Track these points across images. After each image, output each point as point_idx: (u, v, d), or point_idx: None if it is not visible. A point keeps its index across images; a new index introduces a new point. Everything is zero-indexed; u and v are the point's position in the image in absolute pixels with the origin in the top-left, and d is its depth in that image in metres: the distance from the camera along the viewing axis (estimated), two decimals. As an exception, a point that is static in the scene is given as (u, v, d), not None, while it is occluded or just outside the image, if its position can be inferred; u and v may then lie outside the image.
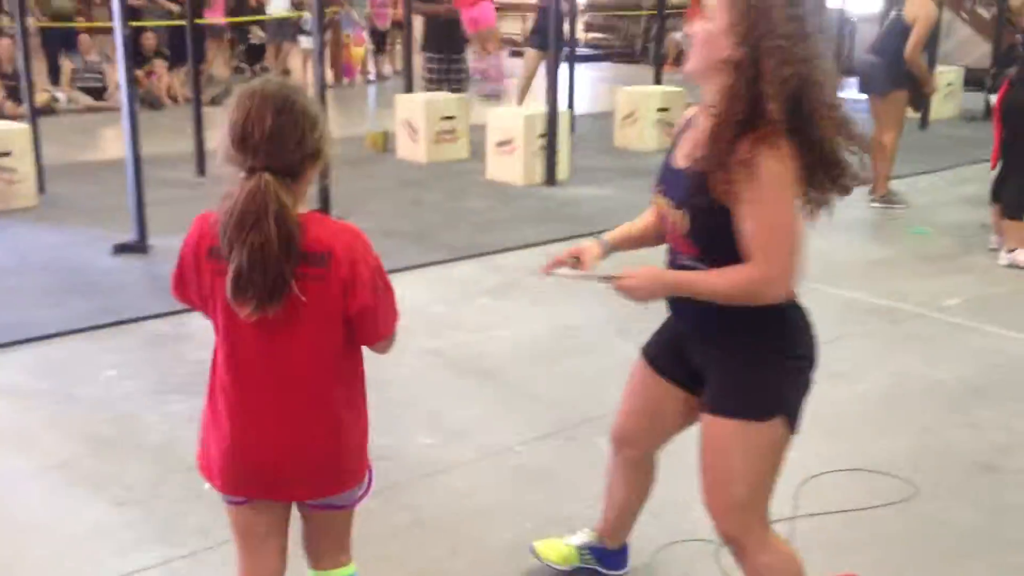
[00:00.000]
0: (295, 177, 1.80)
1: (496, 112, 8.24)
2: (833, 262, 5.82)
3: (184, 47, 11.09)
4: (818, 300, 5.15)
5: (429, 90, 9.13)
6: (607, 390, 3.14)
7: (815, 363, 2.16)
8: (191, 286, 1.91)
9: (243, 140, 1.76)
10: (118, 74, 6.30)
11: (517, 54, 12.74)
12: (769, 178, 1.92)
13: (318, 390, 1.89)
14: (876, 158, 7.05)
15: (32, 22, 9.55)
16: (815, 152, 1.98)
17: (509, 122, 7.82)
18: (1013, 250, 5.69)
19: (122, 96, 5.94)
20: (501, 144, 7.81)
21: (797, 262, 2.00)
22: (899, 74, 6.69)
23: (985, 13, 12.78)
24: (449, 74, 9.19)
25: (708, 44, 2.01)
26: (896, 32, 6.69)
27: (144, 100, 11.11)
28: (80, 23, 12.34)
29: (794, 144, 1.95)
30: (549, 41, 8.36)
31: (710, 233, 2.04)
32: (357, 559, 2.13)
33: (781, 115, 1.92)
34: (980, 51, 12.49)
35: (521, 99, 9.88)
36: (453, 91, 8.97)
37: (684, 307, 2.18)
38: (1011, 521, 3.10)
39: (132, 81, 5.94)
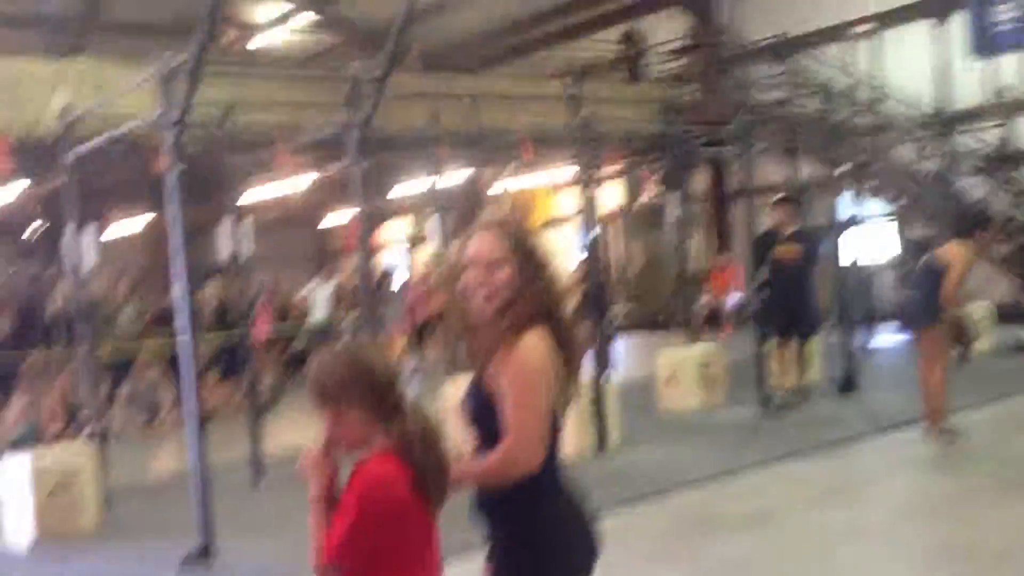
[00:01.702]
0: None
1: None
2: (905, 500, 5.69)
3: (233, 360, 11.80)
4: (901, 542, 5.03)
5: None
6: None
7: (580, 553, 2.41)
8: (385, 542, 2.05)
9: (391, 384, 2.15)
10: (182, 388, 6.56)
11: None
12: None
13: None
14: (926, 391, 7.07)
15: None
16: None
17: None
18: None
19: (186, 405, 6.17)
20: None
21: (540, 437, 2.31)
22: (936, 309, 6.84)
23: (1002, 251, 13.19)
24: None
25: None
26: (931, 271, 6.92)
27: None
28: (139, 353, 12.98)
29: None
30: (591, 312, 8.66)
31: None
32: None
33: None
34: (1003, 287, 12.80)
35: None
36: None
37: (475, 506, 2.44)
38: None
39: (195, 394, 6.17)
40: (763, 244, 9.19)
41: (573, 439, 7.69)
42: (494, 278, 2.39)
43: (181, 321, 6.20)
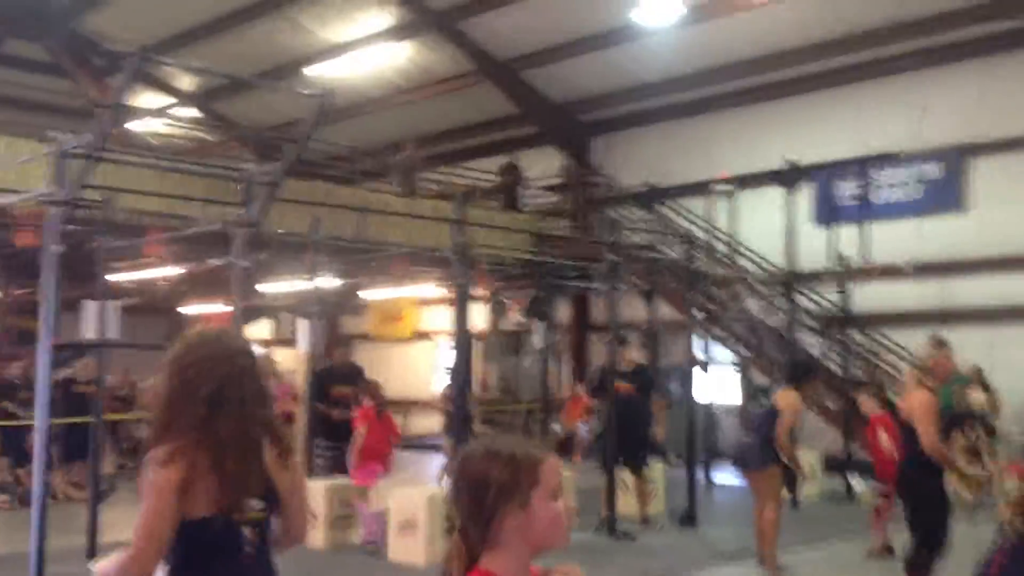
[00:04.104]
0: None
1: (398, 493, 8.43)
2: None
3: (67, 446, 11.35)
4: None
5: (320, 475, 9.32)
6: None
7: None
8: None
9: None
10: (33, 473, 6.38)
11: (433, 447, 13.25)
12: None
13: None
14: (760, 529, 7.52)
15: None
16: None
17: (412, 502, 8.05)
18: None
19: (34, 487, 6.00)
20: (403, 526, 7.95)
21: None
22: (772, 451, 7.38)
23: (831, 405, 14.16)
24: (339, 460, 9.47)
25: None
26: (768, 416, 7.49)
27: (23, 499, 10.93)
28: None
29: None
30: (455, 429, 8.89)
31: None
32: None
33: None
34: (831, 437, 13.70)
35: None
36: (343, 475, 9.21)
37: None
38: None
39: (43, 476, 6.03)
40: (602, 379, 9.70)
41: (429, 551, 7.78)
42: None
43: (40, 401, 6.08)
